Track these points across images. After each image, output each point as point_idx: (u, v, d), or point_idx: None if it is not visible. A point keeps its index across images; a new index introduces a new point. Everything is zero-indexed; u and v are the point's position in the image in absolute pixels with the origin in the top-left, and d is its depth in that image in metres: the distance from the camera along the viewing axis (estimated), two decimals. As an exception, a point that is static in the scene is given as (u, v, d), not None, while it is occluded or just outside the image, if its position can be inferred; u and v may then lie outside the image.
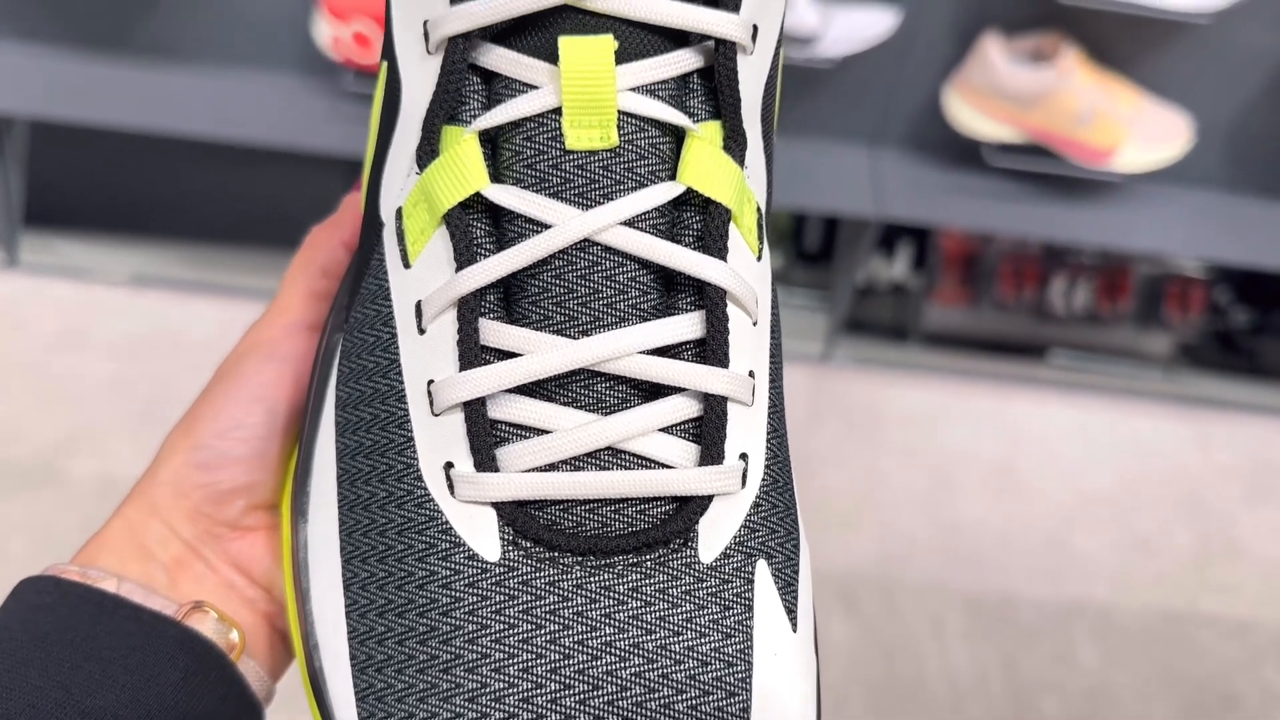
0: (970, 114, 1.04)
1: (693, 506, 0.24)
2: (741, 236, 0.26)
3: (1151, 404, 1.29)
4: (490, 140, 0.25)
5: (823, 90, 1.09)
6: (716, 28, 0.24)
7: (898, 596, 1.11)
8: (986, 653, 1.08)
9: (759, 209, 0.26)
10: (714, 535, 0.24)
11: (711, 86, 0.25)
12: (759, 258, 0.26)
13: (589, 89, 0.24)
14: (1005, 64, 1.00)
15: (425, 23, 0.25)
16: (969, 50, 1.03)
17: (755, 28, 0.25)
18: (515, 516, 0.24)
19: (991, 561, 1.15)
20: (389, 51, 0.27)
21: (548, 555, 0.24)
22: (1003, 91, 1.01)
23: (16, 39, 1.10)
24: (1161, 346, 1.42)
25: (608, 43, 0.24)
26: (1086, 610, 1.12)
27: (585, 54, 0.23)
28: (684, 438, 0.24)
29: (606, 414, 0.24)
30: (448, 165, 0.25)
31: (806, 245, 1.38)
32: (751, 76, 0.26)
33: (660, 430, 0.24)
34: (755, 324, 0.26)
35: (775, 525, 0.25)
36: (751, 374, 0.25)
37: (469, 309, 0.24)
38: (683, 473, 0.24)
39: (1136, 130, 1.03)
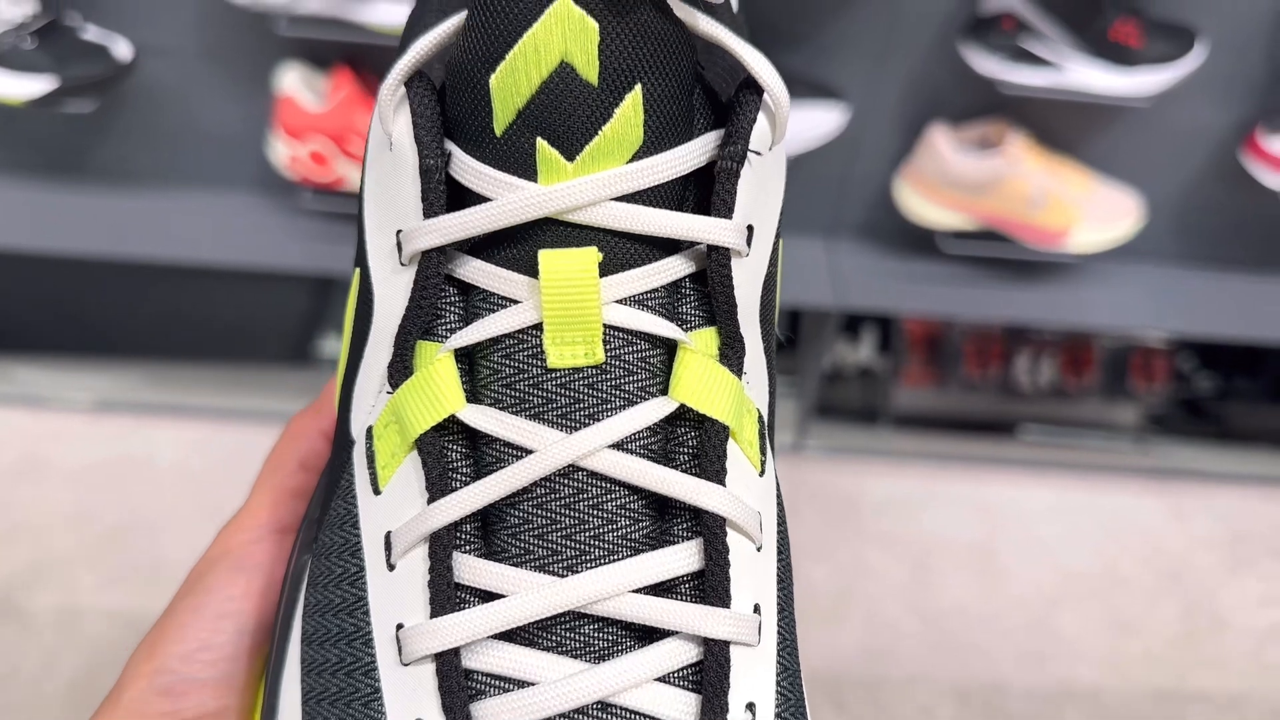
0: (921, 203, 1.05)
1: None
2: (742, 452, 0.24)
3: (1125, 478, 1.29)
4: (467, 356, 0.23)
5: (777, 185, 1.10)
6: (709, 235, 0.23)
7: (886, 692, 1.09)
8: (979, 744, 1.05)
9: (761, 418, 0.25)
10: None
11: (705, 291, 0.24)
12: (762, 472, 0.24)
13: (572, 304, 0.22)
14: (953, 153, 1.02)
15: (399, 233, 0.23)
16: (917, 141, 1.05)
17: (750, 228, 0.24)
18: None
19: (977, 649, 1.13)
20: (361, 258, 0.25)
21: None
22: (952, 180, 1.02)
23: (-29, 172, 1.10)
24: (1130, 417, 1.43)
25: (591, 255, 0.22)
26: (1076, 693, 1.10)
27: (567, 268, 0.22)
28: (683, 687, 0.22)
29: (596, 661, 0.22)
30: (420, 386, 0.23)
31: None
32: (748, 278, 0.24)
33: (657, 680, 0.22)
34: (759, 549, 0.24)
35: None
36: (757, 609, 0.23)
37: (441, 545, 0.22)
38: None
39: (1087, 211, 1.05)
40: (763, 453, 0.24)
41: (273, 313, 1.28)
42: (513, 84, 0.21)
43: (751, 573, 0.23)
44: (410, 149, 0.23)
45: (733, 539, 0.23)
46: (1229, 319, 1.14)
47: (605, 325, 0.22)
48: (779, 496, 0.25)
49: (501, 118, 0.22)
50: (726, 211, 0.23)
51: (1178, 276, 1.16)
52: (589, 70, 0.21)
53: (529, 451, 0.22)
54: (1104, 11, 0.96)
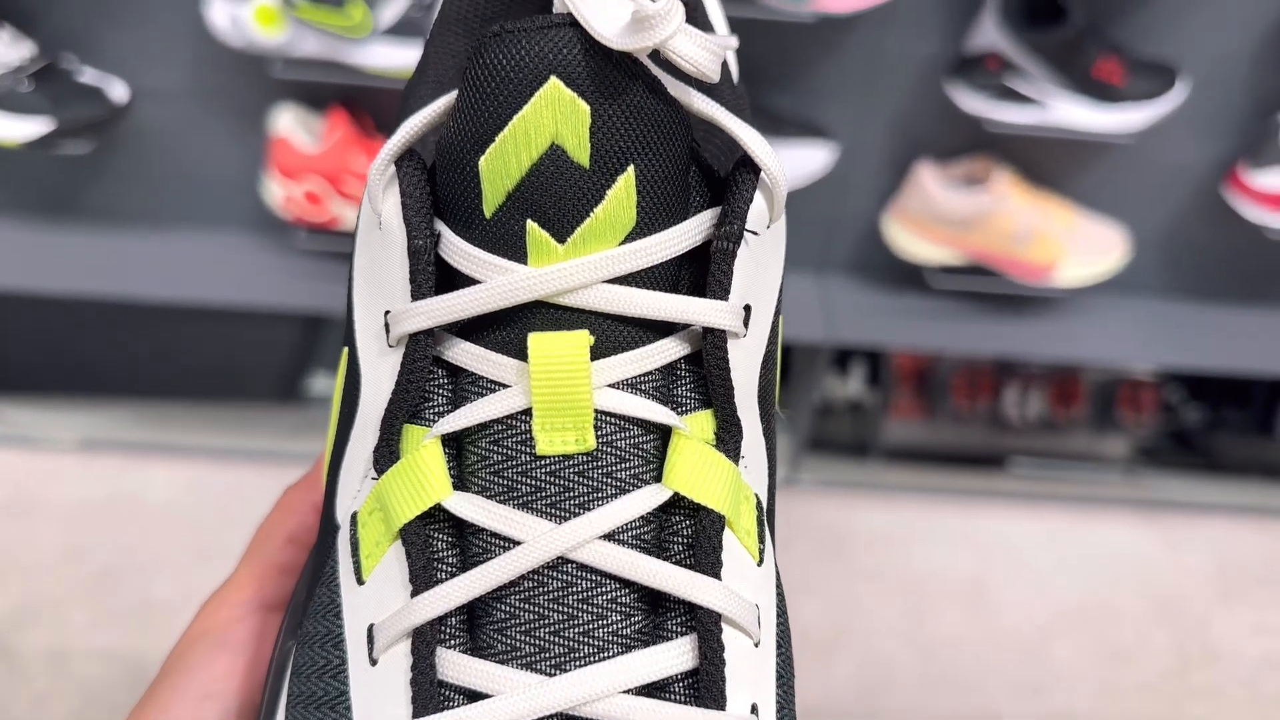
0: (910, 239, 1.06)
1: None
2: (739, 541, 0.23)
3: (1115, 509, 1.30)
4: (455, 441, 0.23)
5: (768, 222, 1.11)
6: (704, 317, 0.22)
7: (880, 726, 1.08)
8: (975, 779, 1.05)
9: (759, 504, 0.24)
10: None
11: (701, 372, 0.23)
12: (760, 561, 0.23)
13: (562, 388, 0.21)
14: (940, 190, 1.03)
15: (386, 314, 0.23)
16: (904, 179, 1.06)
17: (748, 308, 0.23)
18: None
19: (972, 682, 1.13)
20: (349, 337, 0.25)
21: None
22: (940, 216, 1.04)
23: (-35, 213, 1.10)
24: (1119, 449, 1.43)
25: (582, 339, 0.21)
26: (1072, 726, 1.10)
27: (558, 351, 0.21)
28: None
29: None
30: (406, 473, 0.22)
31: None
32: (745, 359, 0.23)
33: None
34: (757, 645, 0.22)
35: None
36: (755, 709, 0.22)
37: (424, 642, 0.21)
38: None
39: (1074, 245, 1.06)
40: (761, 541, 0.23)
41: (263, 351, 1.29)
42: (502, 166, 0.21)
43: (749, 670, 0.22)
44: (399, 229, 0.22)
45: (729, 635, 0.22)
46: (1215, 351, 1.16)
47: (596, 410, 0.22)
48: (779, 585, 0.24)
49: (491, 199, 0.21)
50: (722, 293, 0.22)
51: (1164, 309, 1.17)
52: (580, 152, 0.21)
53: (517, 543, 0.21)
54: (1087, 50, 0.98)
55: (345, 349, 0.25)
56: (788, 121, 1.02)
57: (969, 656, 1.15)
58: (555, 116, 0.21)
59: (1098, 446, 1.43)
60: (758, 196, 0.22)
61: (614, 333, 0.22)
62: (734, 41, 0.26)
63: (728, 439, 0.23)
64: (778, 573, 0.24)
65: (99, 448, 1.21)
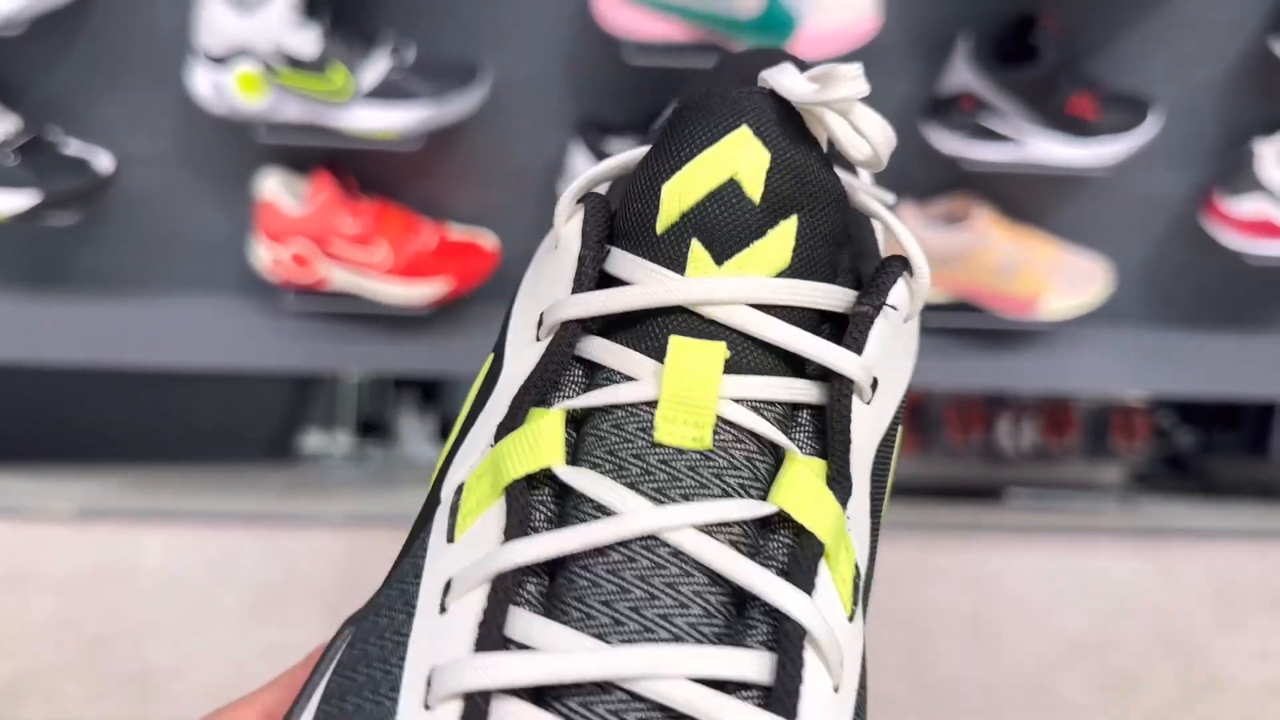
0: (896, 278, 1.07)
1: None
2: (834, 584, 0.22)
3: (1110, 538, 1.30)
4: (576, 425, 0.23)
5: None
6: (835, 361, 0.23)
7: (887, 768, 1.08)
8: (984, 818, 1.04)
9: (857, 567, 0.23)
10: None
11: (821, 426, 0.23)
12: (850, 618, 0.22)
13: (691, 388, 0.22)
14: (921, 229, 1.04)
15: (541, 313, 0.24)
16: (887, 218, 1.07)
17: (875, 380, 0.24)
18: None
19: (977, 717, 1.13)
20: (499, 344, 0.26)
21: None
22: (930, 252, 1.04)
23: (-47, 287, 1.10)
24: (1113, 476, 1.44)
25: (719, 350, 0.22)
26: (1079, 761, 1.09)
27: (695, 355, 0.22)
28: None
29: None
30: (524, 437, 0.23)
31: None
32: (866, 424, 0.24)
33: None
34: (837, 690, 0.21)
35: None
36: None
37: (502, 590, 0.21)
38: None
39: (1057, 278, 1.07)
40: (854, 602, 0.23)
41: (253, 412, 1.29)
42: (683, 189, 0.23)
43: (824, 709, 0.21)
44: (575, 243, 0.24)
45: (810, 661, 0.21)
46: (1201, 377, 1.16)
47: (719, 417, 0.22)
48: (864, 659, 0.23)
49: (665, 219, 0.23)
50: (856, 348, 0.23)
51: (1149, 338, 1.18)
52: (754, 190, 0.23)
53: (613, 514, 0.21)
54: (1060, 86, 0.99)
55: (491, 354, 0.26)
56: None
57: (973, 691, 1.14)
58: (739, 155, 0.23)
59: (1093, 474, 1.43)
60: (902, 284, 0.24)
61: (749, 355, 0.23)
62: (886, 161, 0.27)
63: (837, 489, 0.23)
64: (865, 648, 0.23)
65: (92, 516, 1.21)
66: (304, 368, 1.08)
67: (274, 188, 1.01)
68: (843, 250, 0.25)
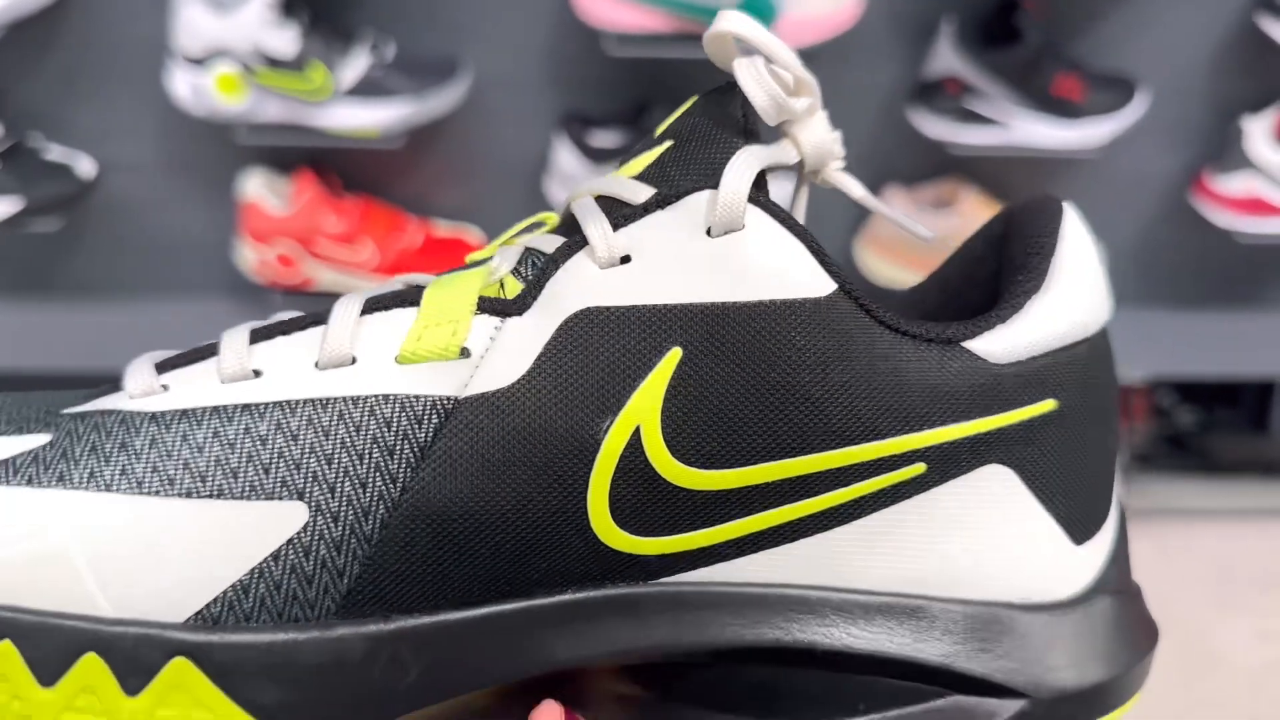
0: (883, 265, 1.07)
1: None
2: None
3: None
4: None
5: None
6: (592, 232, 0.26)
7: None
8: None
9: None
10: None
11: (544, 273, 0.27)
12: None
13: None
14: (909, 213, 1.03)
15: None
16: (874, 204, 1.07)
17: (628, 258, 0.26)
18: None
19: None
20: None
21: None
22: (911, 240, 1.04)
23: (-59, 295, 1.11)
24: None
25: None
26: (1078, 744, 1.09)
27: None
28: None
29: None
30: None
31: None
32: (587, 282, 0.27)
33: None
34: None
35: None
36: None
37: None
38: None
39: (1046, 261, 1.07)
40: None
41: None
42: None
43: None
44: None
45: None
46: (1196, 357, 1.16)
47: None
48: None
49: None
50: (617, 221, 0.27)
51: (1142, 318, 1.17)
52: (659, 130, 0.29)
53: None
54: (1045, 68, 0.98)
55: None
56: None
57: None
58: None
59: (1091, 455, 1.42)
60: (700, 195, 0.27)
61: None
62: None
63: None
64: None
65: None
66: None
67: (257, 189, 1.01)
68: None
